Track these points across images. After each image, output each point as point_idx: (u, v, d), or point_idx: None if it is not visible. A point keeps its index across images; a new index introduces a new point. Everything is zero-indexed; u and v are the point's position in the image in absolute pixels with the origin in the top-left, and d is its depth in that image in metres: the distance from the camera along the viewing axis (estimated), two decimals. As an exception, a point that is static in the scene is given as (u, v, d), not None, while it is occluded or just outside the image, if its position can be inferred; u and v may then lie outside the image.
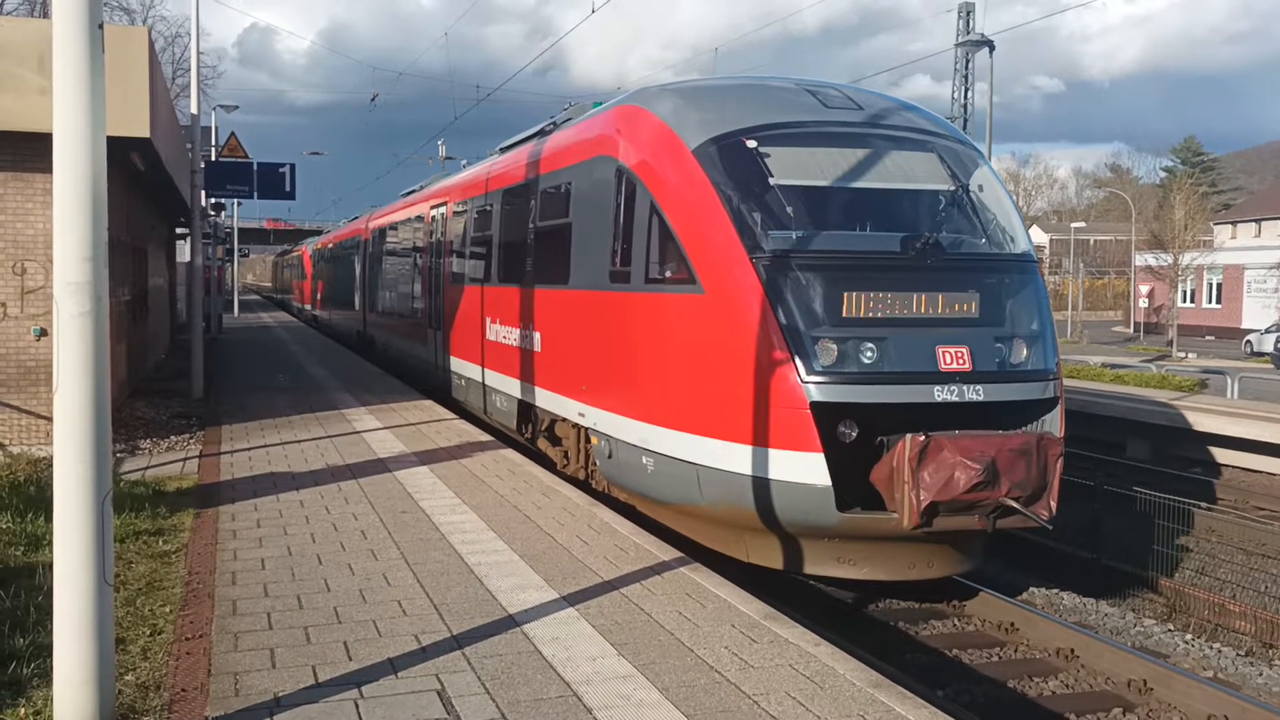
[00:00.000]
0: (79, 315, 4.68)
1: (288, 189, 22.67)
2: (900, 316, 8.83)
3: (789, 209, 9.21)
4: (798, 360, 8.49)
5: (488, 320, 14.99)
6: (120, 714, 5.17)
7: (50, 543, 6.12)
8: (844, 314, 8.69)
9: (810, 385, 8.46)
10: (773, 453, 8.55)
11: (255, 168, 22.84)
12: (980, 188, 9.95)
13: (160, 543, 8.71)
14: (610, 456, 10.62)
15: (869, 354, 8.60)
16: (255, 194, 22.76)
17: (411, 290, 21.42)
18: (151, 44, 13.52)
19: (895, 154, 9.88)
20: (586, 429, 11.36)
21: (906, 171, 9.87)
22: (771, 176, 9.34)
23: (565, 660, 6.04)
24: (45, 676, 5.55)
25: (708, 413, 9.05)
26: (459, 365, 16.97)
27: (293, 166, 22.81)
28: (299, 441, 13.74)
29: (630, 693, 5.60)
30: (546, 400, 12.53)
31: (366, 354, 27.26)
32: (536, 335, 12.72)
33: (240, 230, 66.69)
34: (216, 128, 36.03)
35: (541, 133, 14.48)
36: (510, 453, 12.91)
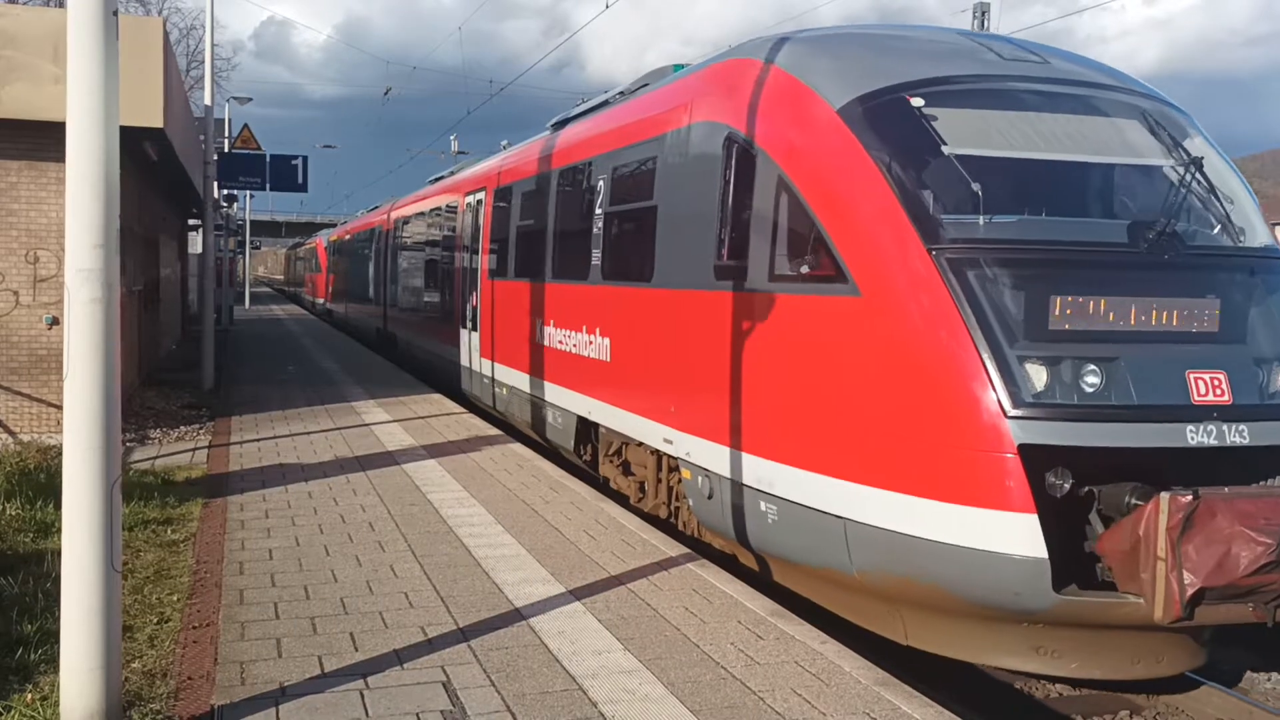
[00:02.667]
0: (89, 302, 4.69)
1: (300, 181, 22.79)
2: (1132, 329, 6.76)
3: (973, 186, 7.09)
4: (998, 386, 6.39)
5: (538, 322, 12.78)
6: (126, 701, 5.19)
7: (59, 530, 6.15)
8: (1054, 325, 6.67)
9: (1017, 421, 6.33)
10: (962, 510, 6.42)
11: (268, 160, 22.93)
12: (1203, 162, 7.69)
13: (169, 532, 8.74)
14: (710, 497, 8.52)
15: (1093, 379, 6.55)
16: (268, 186, 22.87)
17: (441, 286, 19.28)
18: (166, 35, 13.56)
19: (1096, 119, 7.80)
20: (674, 459, 9.34)
21: (1112, 141, 7.78)
22: (945, 145, 7.25)
23: (571, 654, 6.04)
24: (52, 662, 5.56)
25: (866, 452, 6.90)
26: (499, 371, 14.84)
27: (305, 159, 22.93)
28: (308, 433, 13.77)
29: (635, 687, 5.60)
30: (616, 420, 10.43)
31: (387, 352, 25.69)
32: (604, 342, 10.60)
33: (252, 222, 66.91)
34: (230, 120, 36.10)
35: (608, 103, 12.35)
36: (518, 447, 12.92)
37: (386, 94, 45.63)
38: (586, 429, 11.62)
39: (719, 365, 8.31)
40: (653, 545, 8.48)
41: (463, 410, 16.18)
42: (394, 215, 25.55)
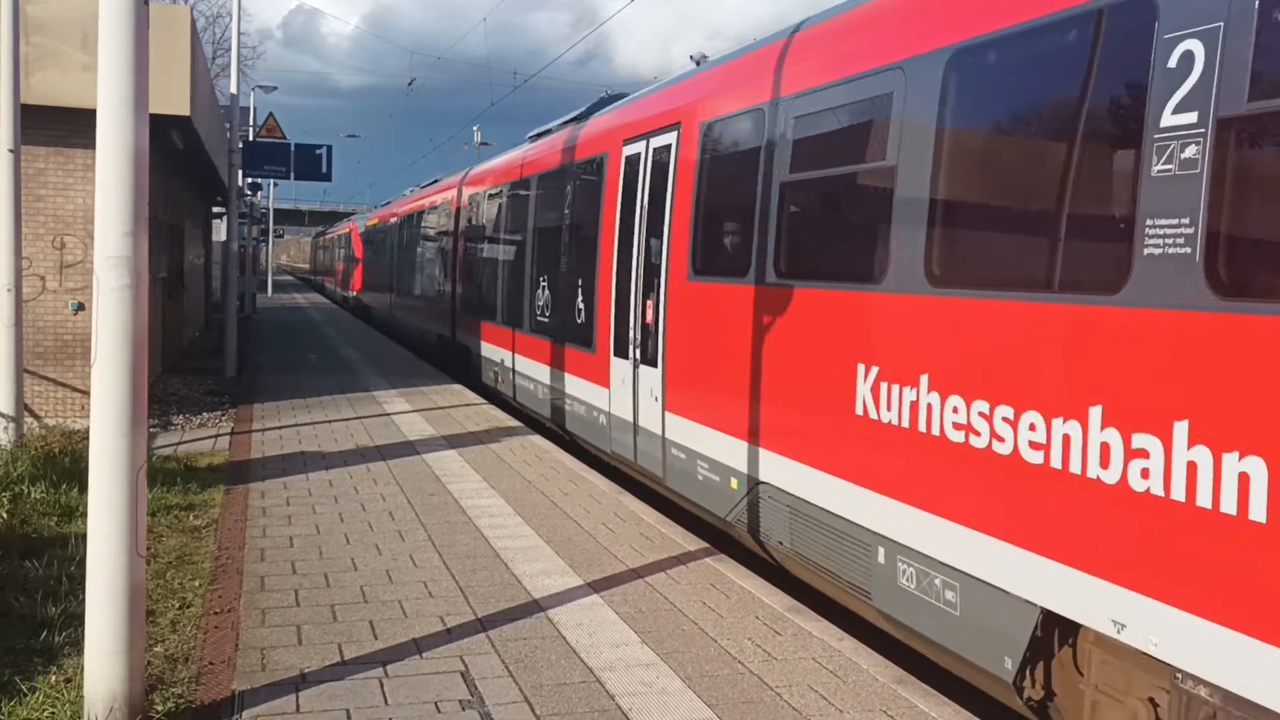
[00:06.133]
0: (118, 289, 4.73)
1: (324, 171, 22.87)
2: None
3: None
4: None
5: (862, 371, 6.53)
6: (149, 685, 5.24)
7: (84, 514, 6.21)
8: None
9: None
10: None
11: (292, 149, 23.04)
12: None
13: (191, 518, 8.81)
14: None
15: None
16: (292, 175, 22.95)
17: (562, 287, 12.89)
18: (193, 23, 13.65)
19: None
20: None
21: None
22: None
23: (589, 646, 6.06)
24: (76, 645, 5.63)
25: None
26: (717, 446, 8.59)
27: (329, 149, 23.00)
28: (329, 422, 13.84)
29: (652, 680, 5.61)
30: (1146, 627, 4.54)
31: (453, 369, 20.12)
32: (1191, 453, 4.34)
33: (275, 211, 67.30)
34: (255, 108, 36.39)
35: None
36: (538, 439, 12.95)
37: (410, 85, 45.73)
38: (1023, 623, 5.31)
39: None
40: (671, 539, 8.49)
41: (482, 401, 16.23)
42: (471, 190, 19.59)
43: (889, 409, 6.30)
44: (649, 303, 9.96)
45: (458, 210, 20.46)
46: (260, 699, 5.20)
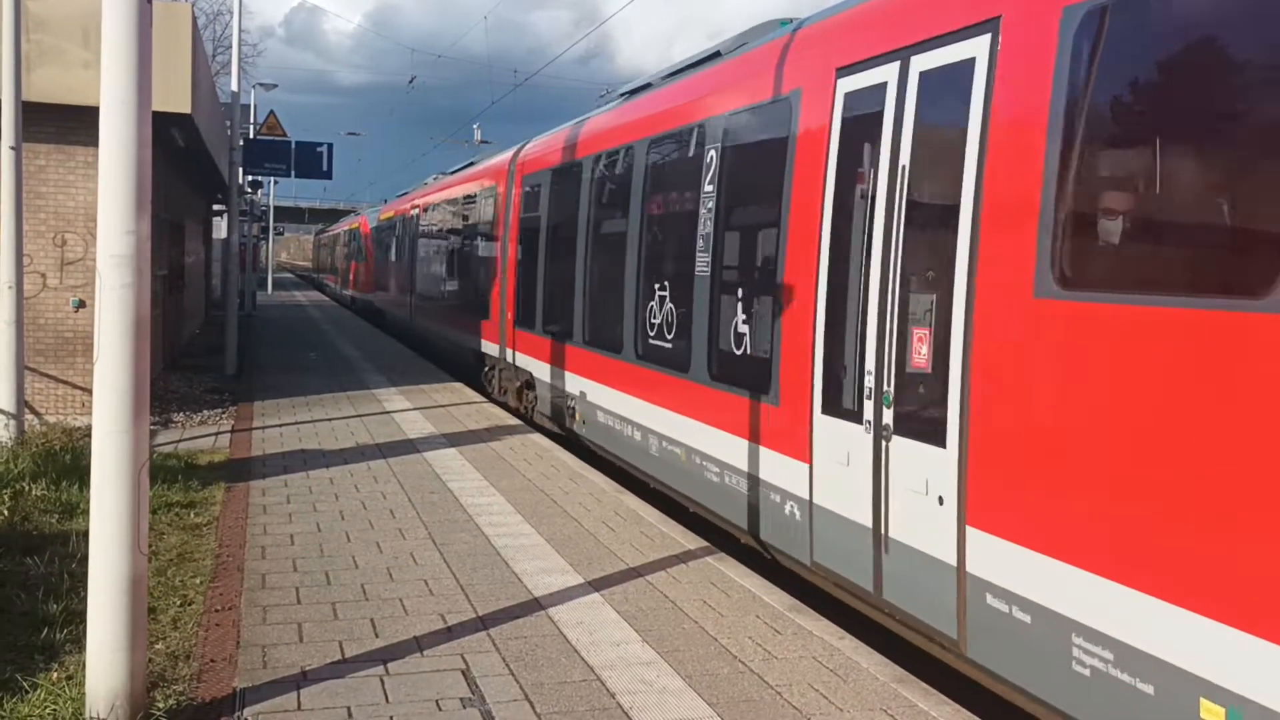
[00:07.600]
0: (121, 287, 4.73)
1: (325, 168, 22.85)
2: None
3: None
4: None
5: None
6: (150, 682, 5.24)
7: (84, 511, 6.22)
8: None
9: None
10: None
11: (293, 146, 23.04)
12: None
13: (192, 515, 8.81)
14: None
15: None
16: (292, 173, 22.93)
17: (702, 301, 8.91)
18: (194, 20, 13.66)
19: None
20: None
21: None
22: None
23: (589, 645, 6.07)
24: (77, 642, 5.63)
25: None
26: (1189, 639, 4.14)
27: (330, 146, 23.00)
28: (330, 420, 13.85)
29: (653, 679, 5.61)
30: None
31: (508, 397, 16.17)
32: None
33: (276, 208, 67.32)
34: (256, 106, 36.40)
35: None
36: (538, 437, 12.95)
37: (411, 82, 45.72)
38: None
39: None
40: (671, 538, 8.49)
41: (482, 399, 16.23)
42: (530, 170, 15.18)
43: None
44: (918, 334, 6.03)
45: (507, 197, 16.21)
46: (261, 696, 5.21)
